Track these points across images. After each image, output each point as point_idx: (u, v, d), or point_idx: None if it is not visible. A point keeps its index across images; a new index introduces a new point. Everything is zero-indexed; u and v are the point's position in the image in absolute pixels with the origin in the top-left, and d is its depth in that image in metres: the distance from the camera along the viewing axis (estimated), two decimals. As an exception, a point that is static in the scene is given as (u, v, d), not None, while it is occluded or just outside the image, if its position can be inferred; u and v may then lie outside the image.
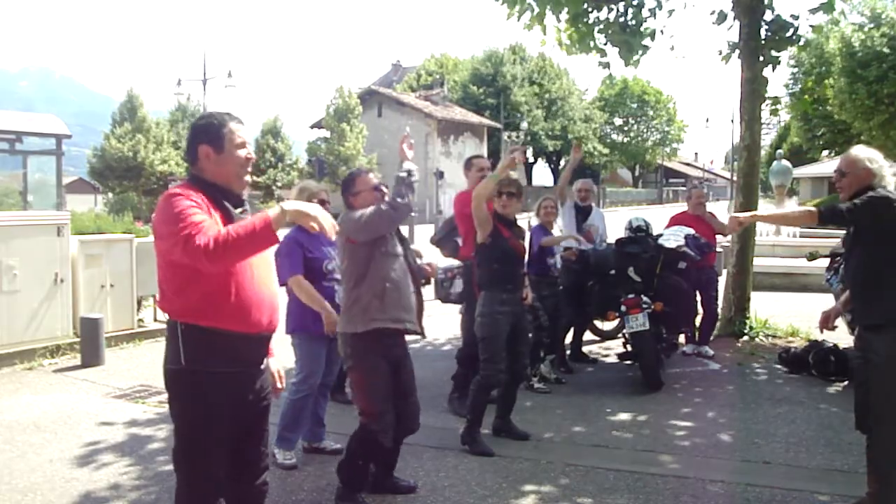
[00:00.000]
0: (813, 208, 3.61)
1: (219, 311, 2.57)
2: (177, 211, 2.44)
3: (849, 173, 3.64)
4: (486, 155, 42.64)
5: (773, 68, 8.51)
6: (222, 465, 2.71)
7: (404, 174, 3.67)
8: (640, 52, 8.84)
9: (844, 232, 3.87)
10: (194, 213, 2.44)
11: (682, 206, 7.99)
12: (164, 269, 2.62)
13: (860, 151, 3.70)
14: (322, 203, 4.47)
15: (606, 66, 9.09)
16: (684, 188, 67.31)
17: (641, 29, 8.79)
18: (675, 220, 7.38)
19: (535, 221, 6.48)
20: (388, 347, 3.78)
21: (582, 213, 7.12)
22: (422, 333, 4.00)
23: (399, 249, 3.82)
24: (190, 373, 2.61)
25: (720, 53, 8.79)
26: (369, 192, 3.79)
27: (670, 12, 9.06)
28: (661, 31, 8.84)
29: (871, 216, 3.48)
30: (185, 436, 2.67)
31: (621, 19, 8.75)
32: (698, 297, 7.45)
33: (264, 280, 2.71)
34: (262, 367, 2.80)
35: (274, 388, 2.98)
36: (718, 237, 7.75)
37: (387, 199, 3.67)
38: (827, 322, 3.96)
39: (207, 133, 2.66)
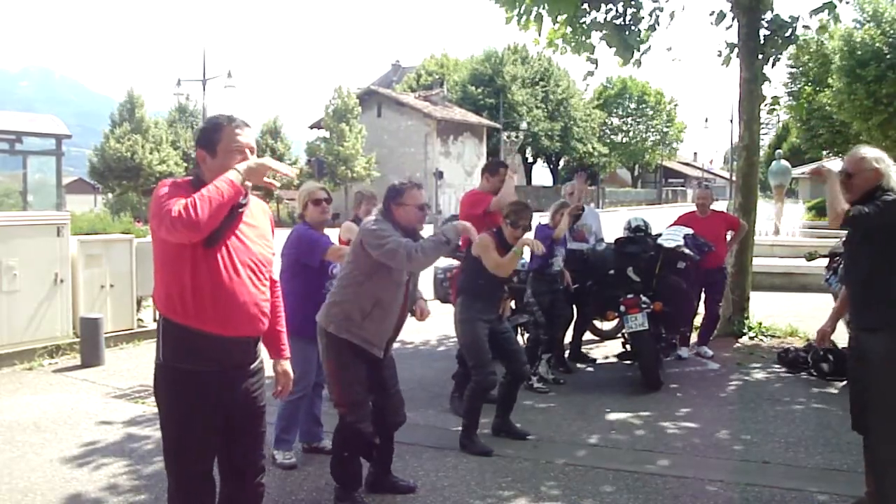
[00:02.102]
0: (844, 209, 3.47)
1: (192, 310, 2.57)
2: (160, 196, 2.53)
3: (856, 174, 3.59)
4: (485, 155, 42.74)
5: (773, 65, 8.52)
6: (210, 464, 2.72)
7: (445, 239, 3.63)
8: (641, 51, 8.83)
9: (845, 232, 3.84)
10: (174, 196, 2.50)
11: (681, 206, 8.00)
12: (154, 260, 2.67)
13: (866, 152, 3.65)
14: (322, 202, 4.48)
15: (595, 63, 9.05)
16: (683, 188, 67.36)
17: (639, 28, 8.78)
18: (681, 220, 7.39)
19: (544, 220, 6.43)
20: (362, 350, 3.78)
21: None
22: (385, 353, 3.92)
23: (404, 278, 3.81)
24: (170, 369, 2.63)
25: (719, 55, 8.80)
26: (413, 207, 3.79)
27: (671, 15, 9.02)
28: (657, 25, 8.82)
29: (889, 217, 3.45)
30: (169, 433, 2.69)
31: (618, 20, 8.75)
32: (703, 297, 7.45)
33: (248, 282, 2.67)
34: (253, 368, 2.76)
35: (274, 389, 2.98)
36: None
37: (419, 241, 3.65)
38: (824, 340, 4.03)
39: (202, 138, 2.70)
